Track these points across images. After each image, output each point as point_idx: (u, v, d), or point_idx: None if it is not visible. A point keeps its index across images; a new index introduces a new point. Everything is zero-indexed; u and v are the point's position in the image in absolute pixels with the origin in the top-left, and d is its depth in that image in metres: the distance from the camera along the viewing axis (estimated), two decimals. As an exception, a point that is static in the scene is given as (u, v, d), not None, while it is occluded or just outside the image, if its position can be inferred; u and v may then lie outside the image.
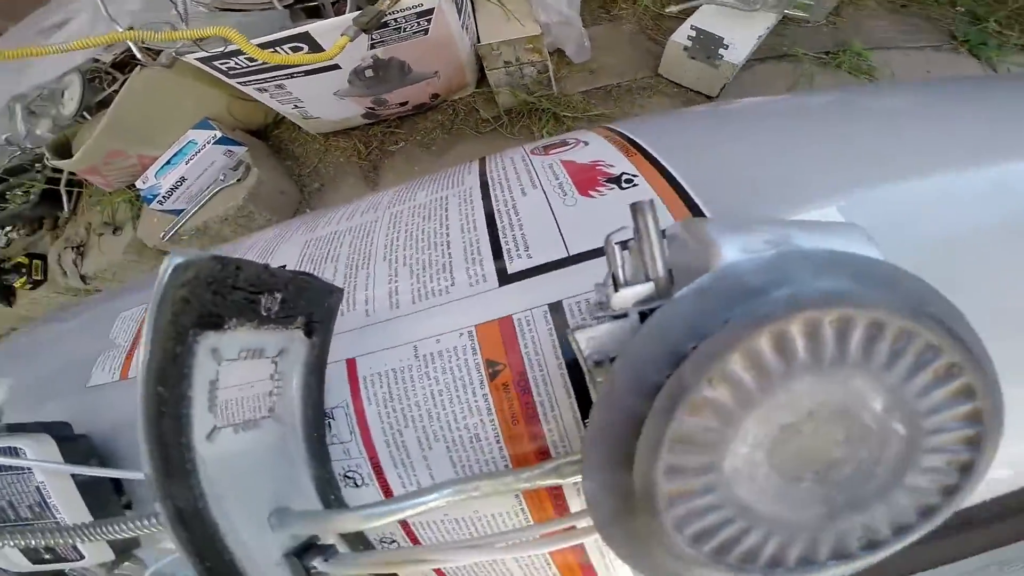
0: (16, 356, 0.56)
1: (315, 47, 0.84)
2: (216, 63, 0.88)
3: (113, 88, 1.14)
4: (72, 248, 1.36)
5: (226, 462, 0.25)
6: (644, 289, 0.21)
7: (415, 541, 0.34)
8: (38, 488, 0.32)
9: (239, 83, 0.96)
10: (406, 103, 1.16)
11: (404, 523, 0.33)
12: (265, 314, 0.27)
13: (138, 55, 0.95)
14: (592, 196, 0.39)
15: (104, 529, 0.30)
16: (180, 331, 0.21)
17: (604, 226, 0.33)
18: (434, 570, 0.35)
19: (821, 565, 0.18)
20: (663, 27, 1.18)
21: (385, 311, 0.36)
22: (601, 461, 0.19)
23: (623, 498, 0.18)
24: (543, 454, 0.30)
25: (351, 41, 0.77)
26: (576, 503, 0.31)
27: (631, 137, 0.46)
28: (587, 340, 0.22)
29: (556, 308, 0.32)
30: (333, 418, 0.34)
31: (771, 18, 1.05)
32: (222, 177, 1.14)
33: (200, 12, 0.87)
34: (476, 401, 0.31)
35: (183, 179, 1.10)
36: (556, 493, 0.31)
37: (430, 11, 0.85)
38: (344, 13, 0.82)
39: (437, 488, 0.25)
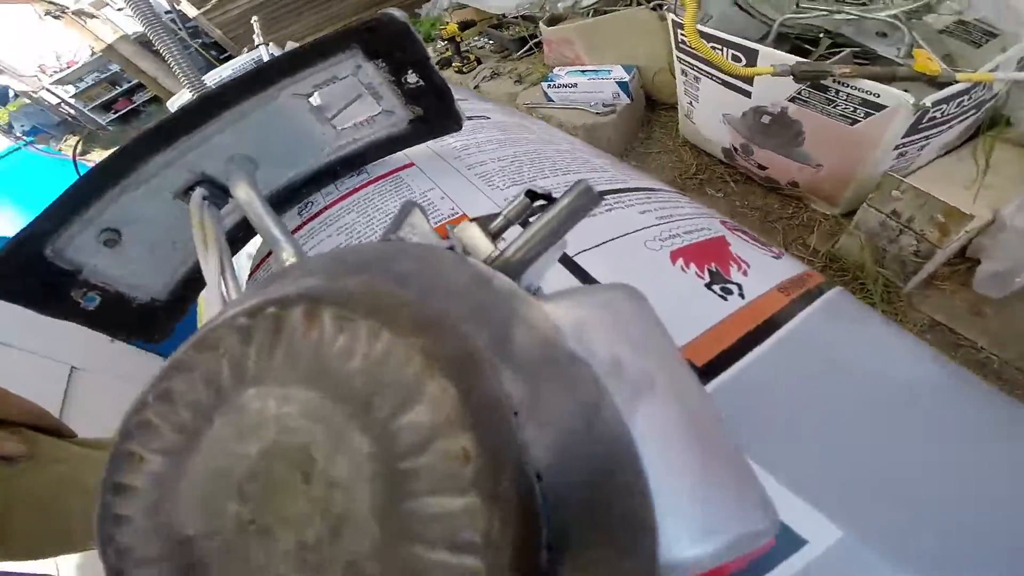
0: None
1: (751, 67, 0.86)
2: (679, 30, 0.99)
3: (624, 5, 1.45)
4: (491, 72, 1.86)
5: (273, 114, 0.37)
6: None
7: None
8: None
9: (679, 56, 1.08)
10: (765, 169, 1.10)
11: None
12: (403, 81, 0.40)
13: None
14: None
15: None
16: (350, 37, 0.35)
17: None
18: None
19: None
20: None
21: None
22: None
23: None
24: None
25: (772, 75, 0.77)
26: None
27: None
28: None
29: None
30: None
31: None
32: (592, 104, 1.32)
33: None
34: None
35: (575, 84, 1.33)
36: None
37: (881, 108, 0.76)
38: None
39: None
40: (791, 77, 0.76)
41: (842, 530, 0.21)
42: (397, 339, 0.10)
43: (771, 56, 0.83)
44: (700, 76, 1.06)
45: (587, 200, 0.17)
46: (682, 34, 0.96)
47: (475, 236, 0.18)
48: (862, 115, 0.81)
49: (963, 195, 0.82)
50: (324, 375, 0.10)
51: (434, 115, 0.41)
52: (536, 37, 1.82)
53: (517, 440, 0.10)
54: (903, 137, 0.81)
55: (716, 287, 0.31)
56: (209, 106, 0.33)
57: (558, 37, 1.49)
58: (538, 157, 0.47)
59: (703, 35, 0.91)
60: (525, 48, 1.88)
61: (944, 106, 0.75)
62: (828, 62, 0.77)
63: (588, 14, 1.55)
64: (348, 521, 0.09)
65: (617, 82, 1.29)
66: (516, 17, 1.98)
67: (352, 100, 0.39)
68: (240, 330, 0.11)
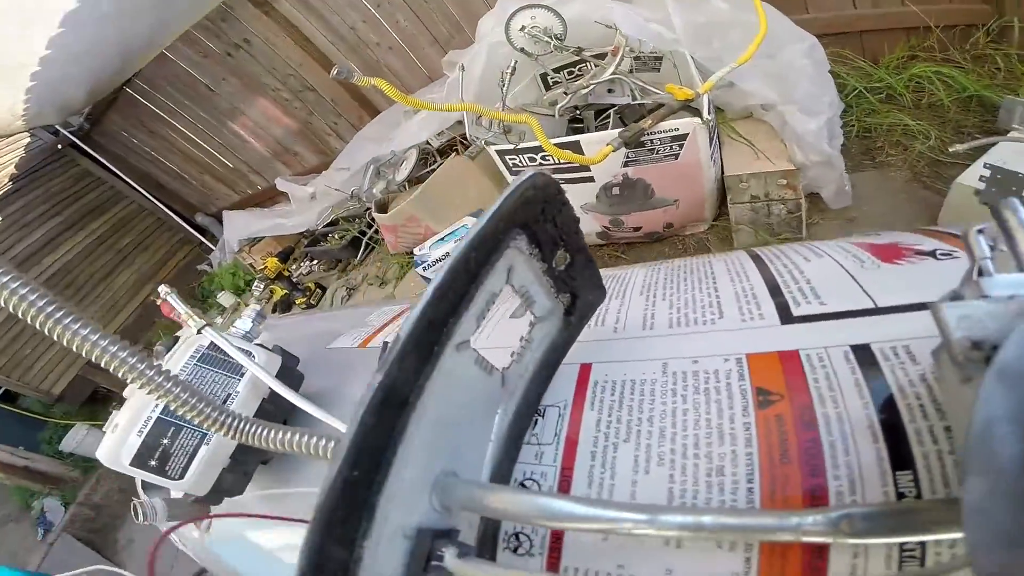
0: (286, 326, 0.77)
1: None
2: (507, 157, 1.15)
3: (431, 168, 1.62)
4: (346, 288, 1.82)
5: (447, 385, 0.26)
6: (1006, 283, 0.20)
7: (554, 553, 0.29)
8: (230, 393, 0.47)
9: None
10: (639, 228, 1.27)
11: (556, 536, 0.29)
12: (553, 265, 0.30)
13: (469, 133, 1.28)
14: (899, 263, 0.36)
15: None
16: (509, 222, 0.26)
17: (921, 286, 0.32)
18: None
19: None
20: (943, 174, 1.08)
21: (636, 330, 0.37)
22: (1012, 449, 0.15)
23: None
24: (816, 502, 0.24)
25: (614, 151, 0.92)
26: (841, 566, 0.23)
27: (946, 231, 0.42)
28: (959, 319, 0.19)
29: (862, 350, 0.28)
30: (543, 415, 0.34)
31: None
32: (468, 262, 1.40)
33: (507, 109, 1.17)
34: (733, 428, 0.28)
35: (447, 255, 1.40)
36: (816, 555, 0.23)
37: (684, 136, 0.97)
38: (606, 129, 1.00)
39: (684, 512, 0.22)
40: (624, 148, 0.93)
41: None
42: None
43: (591, 141, 1.01)
44: (543, 187, 1.22)
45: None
46: (520, 159, 1.12)
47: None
48: (677, 148, 1.01)
49: (769, 161, 1.05)
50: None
51: (585, 293, 0.33)
52: (367, 233, 1.90)
53: None
54: (710, 147, 1.03)
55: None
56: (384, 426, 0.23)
57: (403, 218, 1.58)
58: (672, 272, 0.46)
59: (531, 149, 1.07)
60: (364, 249, 1.93)
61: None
62: (631, 126, 0.96)
63: (405, 187, 1.70)
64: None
65: (478, 230, 1.40)
66: (327, 225, 2.04)
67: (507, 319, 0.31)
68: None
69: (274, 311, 2.10)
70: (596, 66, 1.15)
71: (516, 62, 1.17)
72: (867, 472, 0.24)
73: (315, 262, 2.24)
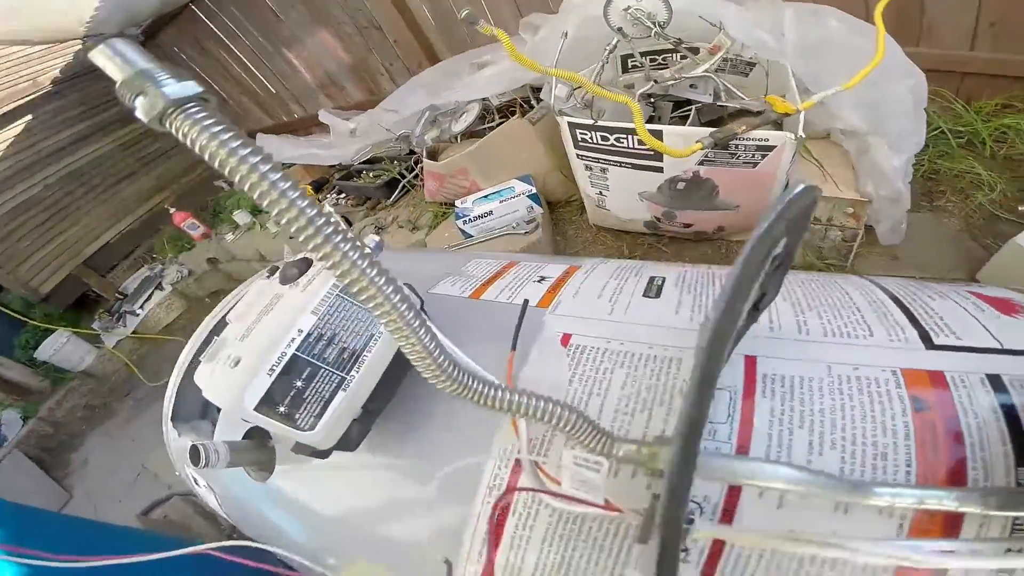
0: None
1: (656, 147, 1.07)
2: (578, 131, 1.18)
3: (490, 124, 1.63)
4: (374, 227, 1.85)
5: None
6: None
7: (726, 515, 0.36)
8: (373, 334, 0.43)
9: (580, 154, 1.25)
10: (690, 226, 1.33)
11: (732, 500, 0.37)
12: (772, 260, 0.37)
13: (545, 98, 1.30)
14: (1016, 317, 0.43)
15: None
16: (775, 241, 0.32)
17: None
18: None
19: None
20: (995, 229, 1.16)
21: (793, 333, 0.44)
22: None
23: None
24: (958, 484, 0.32)
25: (703, 149, 0.97)
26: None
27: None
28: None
29: (995, 378, 0.36)
30: (713, 397, 0.41)
31: None
32: (514, 225, 1.44)
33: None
34: (894, 424, 0.35)
35: (490, 212, 1.44)
36: (952, 523, 0.32)
37: (770, 148, 1.02)
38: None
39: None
40: (712, 145, 0.98)
41: None
42: None
43: (673, 133, 1.05)
44: (607, 167, 1.27)
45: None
46: (592, 135, 1.16)
47: None
48: (759, 157, 1.06)
49: (837, 187, 1.12)
50: None
51: (772, 291, 0.38)
52: (406, 176, 1.92)
53: None
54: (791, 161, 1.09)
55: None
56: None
57: (452, 170, 1.61)
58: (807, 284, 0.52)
59: (609, 128, 1.11)
60: (400, 190, 1.96)
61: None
62: (726, 126, 1.01)
63: (457, 139, 1.72)
64: None
65: (527, 195, 1.44)
66: (363, 163, 2.05)
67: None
68: None
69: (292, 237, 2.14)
70: (685, 59, 1.18)
71: (618, 40, 1.19)
72: (996, 466, 0.33)
73: (343, 195, 2.24)
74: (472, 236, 1.48)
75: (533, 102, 1.65)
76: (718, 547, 0.35)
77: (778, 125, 1.07)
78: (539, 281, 0.63)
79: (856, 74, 0.92)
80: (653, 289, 0.55)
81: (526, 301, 0.55)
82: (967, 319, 0.43)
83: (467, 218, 1.47)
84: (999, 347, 0.39)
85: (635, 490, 0.36)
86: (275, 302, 0.44)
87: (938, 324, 0.42)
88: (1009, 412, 0.34)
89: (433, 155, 1.76)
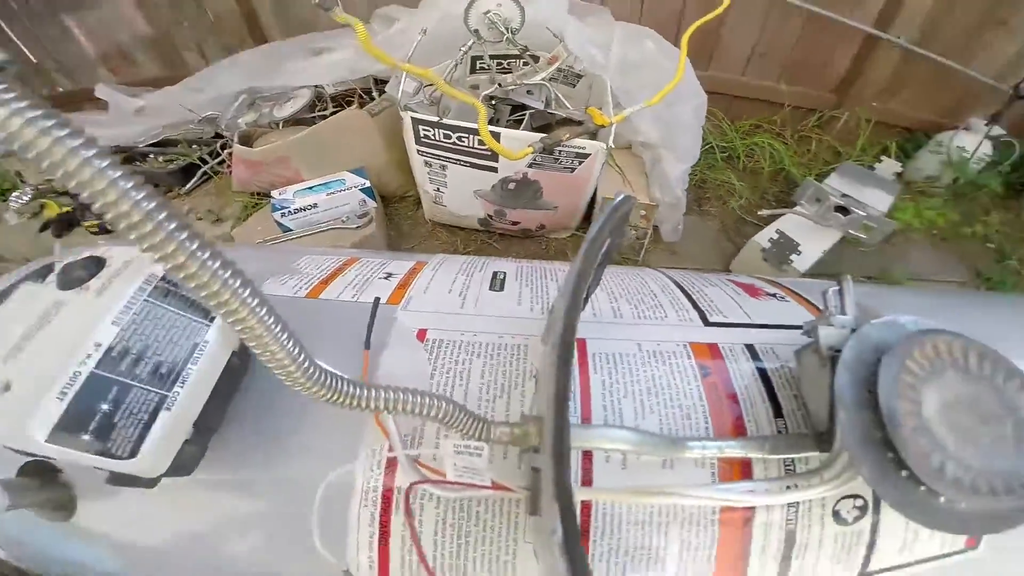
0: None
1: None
2: (422, 127, 1.18)
3: (321, 113, 1.48)
4: None
5: None
6: (848, 320, 0.40)
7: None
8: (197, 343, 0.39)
9: (421, 150, 1.25)
10: (518, 223, 1.44)
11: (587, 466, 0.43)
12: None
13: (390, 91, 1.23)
14: (759, 299, 0.59)
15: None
16: (604, 241, 0.38)
17: (768, 314, 0.53)
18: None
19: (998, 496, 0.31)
20: (743, 231, 1.52)
21: (610, 317, 0.52)
22: (853, 401, 0.34)
23: (871, 426, 0.33)
24: (741, 435, 0.43)
25: (533, 153, 1.06)
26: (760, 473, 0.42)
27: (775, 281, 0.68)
28: (825, 335, 0.39)
29: (751, 348, 0.49)
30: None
31: (836, 235, 1.32)
32: (344, 219, 1.37)
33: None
34: (690, 389, 0.45)
35: (315, 205, 1.34)
36: (746, 465, 0.42)
37: (587, 156, 1.17)
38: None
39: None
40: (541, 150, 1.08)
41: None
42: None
43: (509, 136, 1.13)
44: (447, 164, 1.29)
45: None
46: (436, 132, 1.17)
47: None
48: (577, 164, 1.21)
49: (635, 193, 1.34)
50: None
51: (594, 285, 0.47)
52: (208, 162, 1.66)
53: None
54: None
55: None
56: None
57: (271, 157, 1.44)
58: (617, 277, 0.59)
59: (453, 127, 1.14)
60: (198, 177, 1.68)
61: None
62: (553, 134, 1.12)
63: (279, 125, 1.55)
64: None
65: (360, 189, 1.38)
66: (151, 145, 1.72)
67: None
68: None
69: (43, 230, 1.68)
70: (527, 66, 1.27)
71: (473, 42, 1.22)
72: (761, 418, 0.44)
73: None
74: (292, 230, 1.36)
75: (375, 94, 1.58)
76: (585, 508, 0.40)
77: (594, 135, 1.22)
78: (386, 278, 0.62)
79: (658, 92, 1.09)
80: (497, 283, 0.59)
81: (377, 299, 0.54)
82: (729, 301, 0.57)
83: (286, 210, 1.34)
84: (751, 322, 0.53)
85: (509, 468, 0.39)
86: (55, 311, 0.35)
87: (711, 306, 0.55)
88: (763, 374, 0.46)
89: (246, 140, 1.56)
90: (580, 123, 1.19)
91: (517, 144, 1.11)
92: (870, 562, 0.41)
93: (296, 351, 0.26)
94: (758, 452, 0.40)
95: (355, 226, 1.36)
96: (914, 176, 1.72)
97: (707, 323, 0.52)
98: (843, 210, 1.31)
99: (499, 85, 1.27)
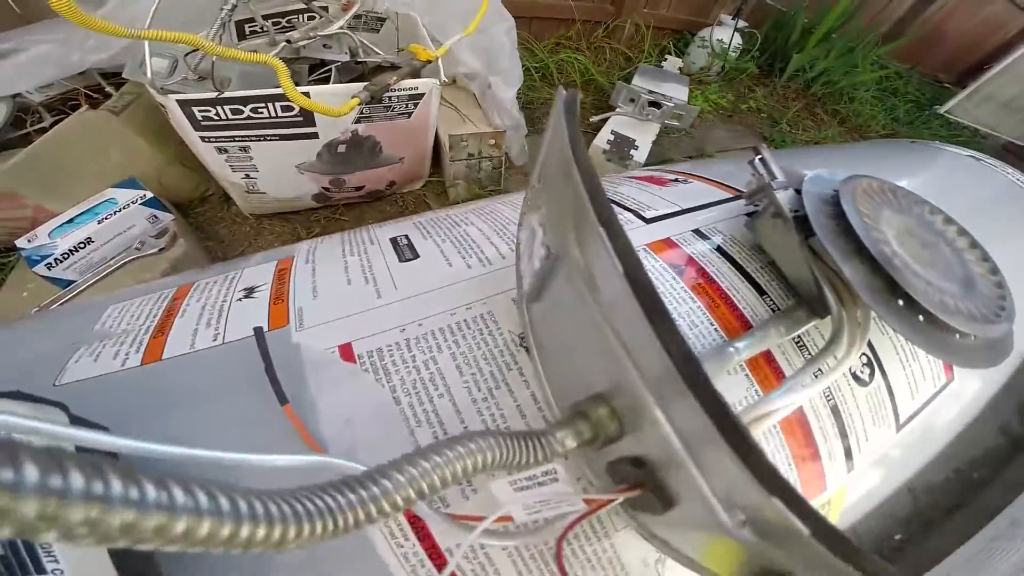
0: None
1: (307, 112, 0.94)
2: (196, 109, 0.91)
3: (37, 127, 1.07)
4: None
5: None
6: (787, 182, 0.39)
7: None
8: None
9: (206, 136, 0.98)
10: (362, 188, 1.27)
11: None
12: None
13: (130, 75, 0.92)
14: (668, 186, 0.57)
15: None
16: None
17: (688, 197, 0.52)
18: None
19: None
20: None
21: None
22: (844, 252, 0.33)
23: (869, 275, 0.33)
24: (745, 324, 0.41)
25: (360, 104, 0.91)
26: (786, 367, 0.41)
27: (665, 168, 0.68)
28: (783, 198, 0.38)
29: (698, 232, 0.47)
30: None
31: (656, 127, 1.50)
32: (139, 245, 1.06)
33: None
34: (679, 294, 0.41)
35: (89, 240, 1.00)
36: (773, 362, 0.40)
37: (421, 96, 1.04)
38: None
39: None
40: (369, 100, 0.93)
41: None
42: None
43: (328, 92, 0.95)
44: (249, 144, 1.05)
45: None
46: (219, 111, 0.92)
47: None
48: (412, 107, 1.08)
49: (478, 125, 1.26)
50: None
51: None
52: None
53: None
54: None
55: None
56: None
57: None
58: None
59: (241, 98, 0.92)
60: None
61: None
62: (377, 79, 0.97)
63: None
64: None
65: (142, 203, 1.07)
66: None
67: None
68: None
69: None
70: (314, 19, 1.05)
71: (236, 2, 0.94)
72: (753, 304, 0.42)
73: None
74: (73, 281, 1.01)
75: (109, 89, 1.18)
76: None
77: (417, 75, 1.09)
78: (248, 296, 0.46)
79: (471, 22, 1.01)
80: (404, 251, 0.48)
81: (258, 328, 0.39)
82: (648, 195, 0.54)
83: (50, 259, 0.98)
84: (681, 208, 0.51)
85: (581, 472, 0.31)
86: None
87: (637, 203, 0.52)
88: (722, 252, 0.45)
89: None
90: (398, 67, 1.05)
91: (336, 100, 0.94)
92: (899, 414, 0.43)
93: (190, 500, 0.13)
94: (776, 338, 0.38)
95: (157, 249, 1.06)
96: (691, 68, 2.09)
97: (647, 220, 0.49)
98: (655, 105, 1.47)
99: (288, 42, 1.05)
